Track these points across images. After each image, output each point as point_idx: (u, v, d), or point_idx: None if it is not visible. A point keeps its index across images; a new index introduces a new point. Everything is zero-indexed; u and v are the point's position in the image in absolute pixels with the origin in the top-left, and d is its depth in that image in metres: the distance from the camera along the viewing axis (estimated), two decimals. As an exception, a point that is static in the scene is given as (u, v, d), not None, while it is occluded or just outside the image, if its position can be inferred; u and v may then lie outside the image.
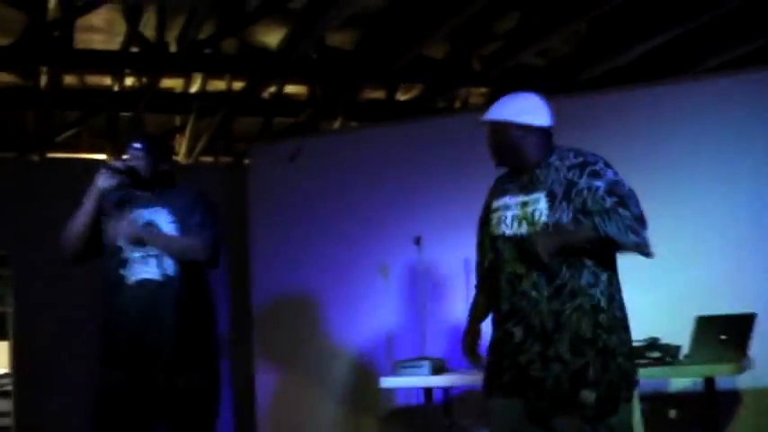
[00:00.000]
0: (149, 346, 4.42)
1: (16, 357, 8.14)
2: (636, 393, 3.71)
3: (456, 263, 6.41)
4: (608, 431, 3.55)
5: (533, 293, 3.63)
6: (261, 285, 7.74)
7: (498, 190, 3.88)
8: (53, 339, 7.77)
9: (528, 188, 3.73)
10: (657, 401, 5.92)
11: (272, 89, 9.12)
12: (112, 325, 4.51)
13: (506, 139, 3.79)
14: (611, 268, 3.71)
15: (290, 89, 9.40)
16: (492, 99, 8.53)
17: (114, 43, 8.10)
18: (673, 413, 5.64)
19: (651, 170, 6.29)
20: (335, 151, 7.76)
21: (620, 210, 3.58)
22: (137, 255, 4.46)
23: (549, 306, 3.60)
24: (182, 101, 9.37)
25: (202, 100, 9.22)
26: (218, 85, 9.21)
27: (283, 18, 7.65)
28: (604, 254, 3.66)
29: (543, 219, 3.63)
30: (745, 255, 6.33)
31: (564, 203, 3.63)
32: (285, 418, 7.52)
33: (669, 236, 6.20)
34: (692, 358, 5.53)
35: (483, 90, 9.34)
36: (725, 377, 5.78)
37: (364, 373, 7.09)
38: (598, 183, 3.62)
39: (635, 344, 5.31)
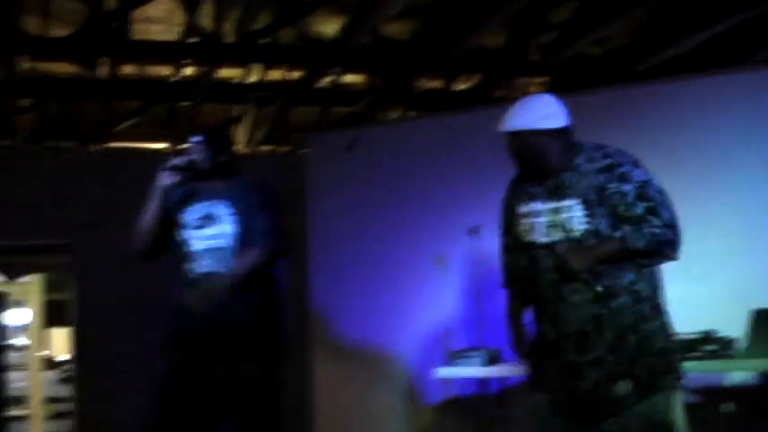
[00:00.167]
0: (214, 336, 4.45)
1: (78, 344, 8.25)
2: (679, 386, 3.67)
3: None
4: (642, 417, 3.54)
5: (576, 298, 3.60)
6: (318, 274, 7.76)
7: (522, 194, 3.82)
8: (114, 327, 7.86)
9: (557, 194, 3.67)
10: (712, 395, 5.87)
11: (330, 79, 9.15)
12: (180, 316, 4.54)
13: (528, 147, 3.71)
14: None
15: (348, 79, 9.41)
16: (551, 89, 8.58)
17: (172, 34, 8.17)
18: (727, 407, 5.58)
19: (707, 159, 6.25)
20: (392, 141, 7.74)
21: (650, 218, 3.54)
22: (201, 248, 4.51)
23: (592, 310, 3.58)
24: (240, 91, 9.44)
25: (260, 90, 9.27)
26: (276, 75, 9.26)
27: (340, 8, 7.67)
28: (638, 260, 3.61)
29: (582, 227, 3.60)
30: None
31: (599, 209, 3.59)
32: (340, 407, 7.54)
33: (723, 227, 6.19)
34: (747, 352, 5.48)
35: (541, 80, 9.30)
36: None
37: (420, 363, 7.09)
38: (627, 187, 3.57)
39: (690, 336, 5.33)
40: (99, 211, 7.64)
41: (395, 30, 8.16)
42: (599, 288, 3.55)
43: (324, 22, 8.04)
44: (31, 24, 7.83)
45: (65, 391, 10.90)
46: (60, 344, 12.43)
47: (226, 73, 9.09)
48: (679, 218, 3.61)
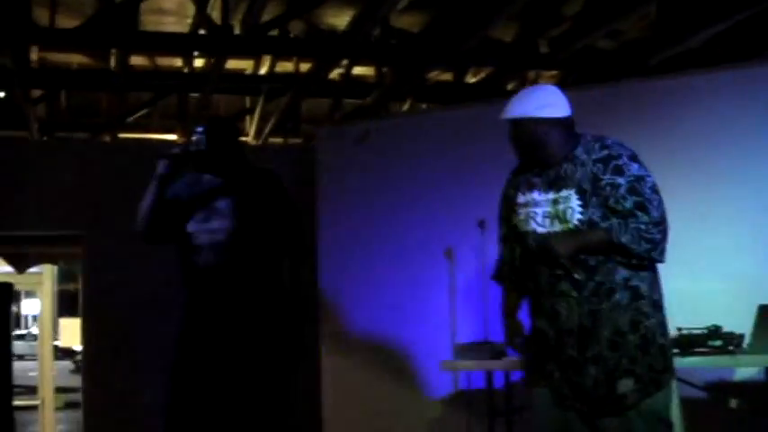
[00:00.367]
0: (222, 329, 4.46)
1: (86, 335, 8.28)
2: (674, 378, 3.67)
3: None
4: (646, 415, 3.53)
5: (573, 293, 3.60)
6: (327, 266, 7.77)
7: (522, 184, 3.84)
8: (123, 318, 7.89)
9: (557, 185, 3.69)
10: (719, 391, 5.85)
11: (341, 71, 9.14)
12: (188, 309, 4.57)
13: (530, 135, 3.74)
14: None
15: (359, 71, 9.42)
16: (562, 82, 8.55)
17: (184, 25, 8.18)
18: (734, 402, 5.55)
19: (721, 154, 6.21)
20: (403, 133, 7.74)
21: (639, 213, 3.54)
22: (207, 241, 4.52)
23: (589, 305, 3.58)
24: (251, 82, 9.45)
25: (271, 81, 9.28)
26: (287, 66, 9.26)
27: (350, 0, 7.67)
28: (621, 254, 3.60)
29: (577, 217, 3.60)
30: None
31: (594, 199, 3.59)
32: (348, 399, 7.56)
33: (730, 222, 6.16)
34: (754, 347, 5.45)
35: (552, 73, 9.28)
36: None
37: (427, 356, 7.09)
38: (620, 180, 3.58)
39: (696, 332, 5.31)
40: (110, 202, 7.66)
41: (406, 22, 8.15)
42: (596, 279, 3.55)
43: (334, 14, 8.04)
44: (42, 15, 7.85)
45: (77, 381, 10.94)
46: (73, 334, 12.48)
47: (236, 64, 9.10)
48: (668, 220, 3.60)
